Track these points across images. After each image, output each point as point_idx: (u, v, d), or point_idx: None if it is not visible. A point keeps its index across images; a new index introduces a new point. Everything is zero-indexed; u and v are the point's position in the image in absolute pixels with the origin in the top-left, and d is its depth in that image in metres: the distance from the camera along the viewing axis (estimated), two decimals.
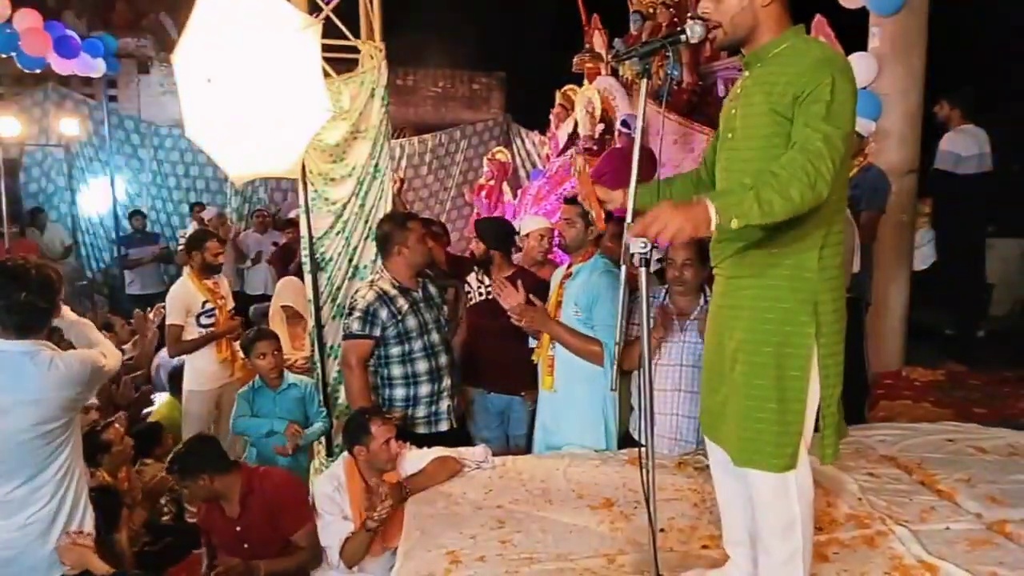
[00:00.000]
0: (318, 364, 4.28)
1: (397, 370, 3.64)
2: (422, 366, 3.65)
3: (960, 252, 6.05)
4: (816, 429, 2.16)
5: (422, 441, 3.42)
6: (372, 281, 3.70)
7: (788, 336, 2.07)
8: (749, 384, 2.11)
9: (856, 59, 5.38)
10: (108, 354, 2.82)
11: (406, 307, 3.62)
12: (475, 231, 4.43)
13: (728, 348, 2.17)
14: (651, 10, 8.41)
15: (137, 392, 5.64)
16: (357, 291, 3.73)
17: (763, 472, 2.09)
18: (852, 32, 5.49)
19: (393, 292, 3.62)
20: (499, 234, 4.27)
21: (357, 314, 3.57)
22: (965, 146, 5.71)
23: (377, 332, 3.56)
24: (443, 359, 3.74)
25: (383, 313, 3.56)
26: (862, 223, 4.73)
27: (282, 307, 5.29)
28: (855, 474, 3.02)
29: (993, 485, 2.88)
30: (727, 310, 2.21)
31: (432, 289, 3.82)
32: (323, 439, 4.22)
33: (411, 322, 3.62)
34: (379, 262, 4.06)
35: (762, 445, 2.08)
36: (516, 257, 4.59)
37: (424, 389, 3.67)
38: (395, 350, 3.62)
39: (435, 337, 3.70)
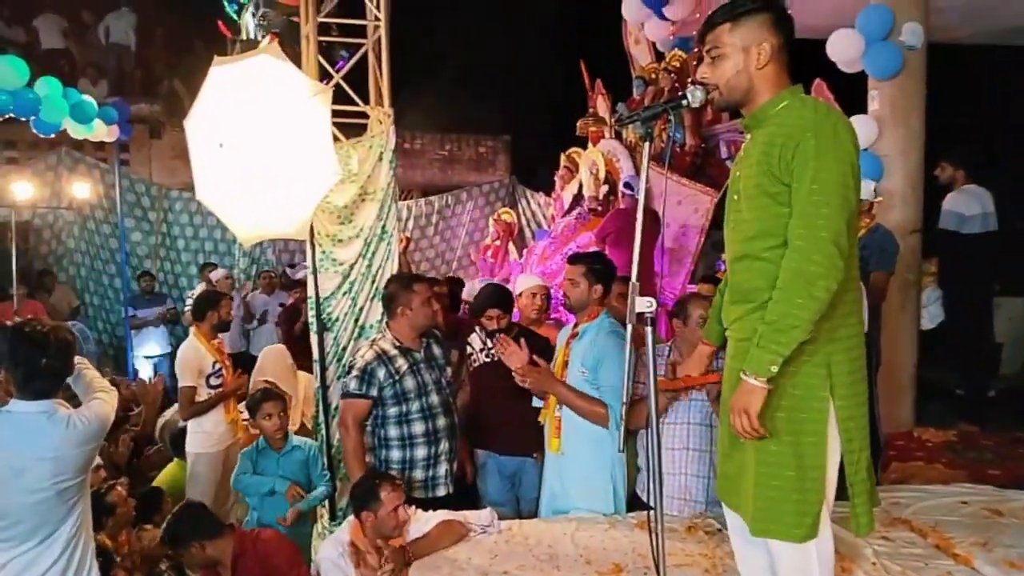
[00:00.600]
0: (322, 426, 4.25)
1: (393, 431, 3.60)
2: (419, 428, 3.60)
3: (967, 311, 6.05)
4: (844, 497, 2.11)
5: (420, 506, 3.36)
6: (373, 340, 3.69)
7: (800, 400, 2.04)
8: (764, 451, 2.07)
9: (856, 122, 5.46)
10: (107, 397, 2.83)
11: (405, 367, 3.60)
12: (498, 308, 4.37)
13: None
14: (653, 75, 8.59)
15: (139, 454, 5.58)
16: (358, 350, 3.73)
17: (783, 542, 2.04)
18: (852, 95, 5.59)
19: (393, 352, 3.60)
20: (485, 301, 4.21)
21: (355, 373, 3.56)
22: (968, 206, 5.76)
23: (374, 392, 3.54)
24: (441, 421, 3.68)
25: (380, 373, 3.54)
26: (871, 283, 4.74)
27: (264, 383, 4.84)
28: (869, 538, 2.95)
29: (1011, 549, 2.81)
30: (739, 373, 2.19)
31: (436, 350, 3.80)
32: (326, 503, 4.16)
33: (409, 383, 3.59)
34: (383, 322, 4.08)
35: (780, 514, 2.04)
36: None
37: (420, 452, 3.61)
38: (392, 410, 3.58)
39: (434, 399, 3.66)
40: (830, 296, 1.95)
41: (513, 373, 3.44)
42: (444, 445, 3.68)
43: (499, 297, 4.21)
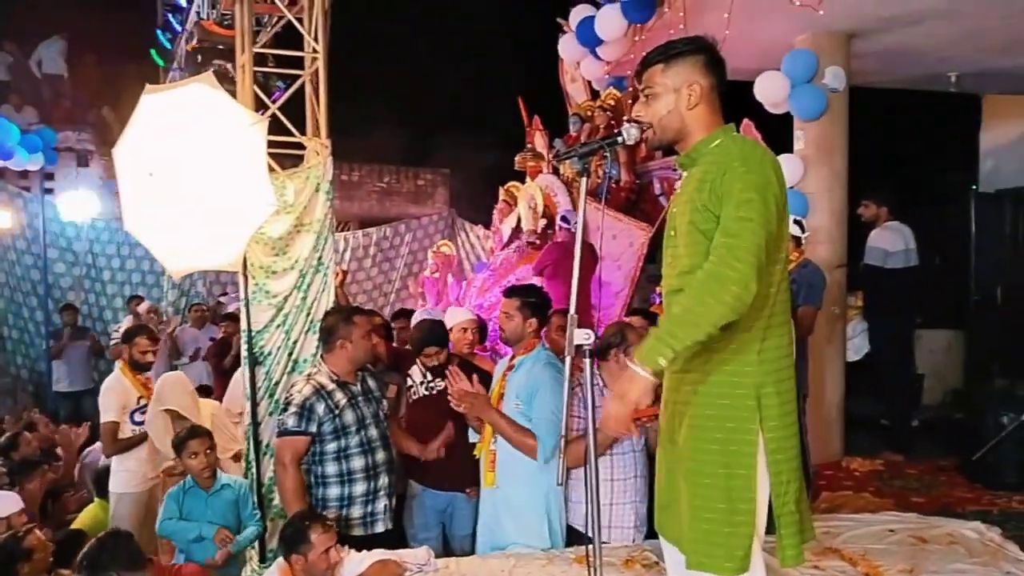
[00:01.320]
0: (252, 464, 4.12)
1: (332, 468, 3.50)
2: (358, 463, 3.53)
3: (891, 343, 6.27)
4: (772, 530, 2.11)
5: (358, 544, 3.28)
6: (309, 375, 3.60)
7: (731, 432, 2.06)
8: (697, 483, 2.08)
9: (783, 161, 5.66)
10: None
11: (344, 401, 3.52)
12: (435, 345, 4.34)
13: (677, 445, 2.17)
14: (589, 113, 8.75)
15: (56, 498, 5.31)
16: (293, 385, 3.63)
17: (714, 575, 2.05)
18: (778, 135, 5.81)
19: (331, 386, 3.53)
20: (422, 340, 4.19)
21: (293, 409, 3.45)
22: (892, 242, 6.00)
23: (313, 428, 3.44)
24: (380, 455, 3.61)
25: (320, 408, 3.45)
26: (799, 317, 4.86)
27: (165, 411, 4.47)
28: (801, 568, 2.99)
29: (935, 575, 2.89)
30: (673, 406, 2.21)
31: (371, 383, 3.74)
32: (256, 544, 4.02)
33: (349, 416, 3.51)
34: (317, 356, 3.99)
35: (712, 547, 2.04)
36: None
37: (359, 488, 3.53)
38: (331, 446, 3.49)
39: (373, 432, 3.60)
40: (739, 305, 1.94)
41: (449, 396, 3.43)
42: (383, 480, 3.60)
43: (435, 334, 4.18)
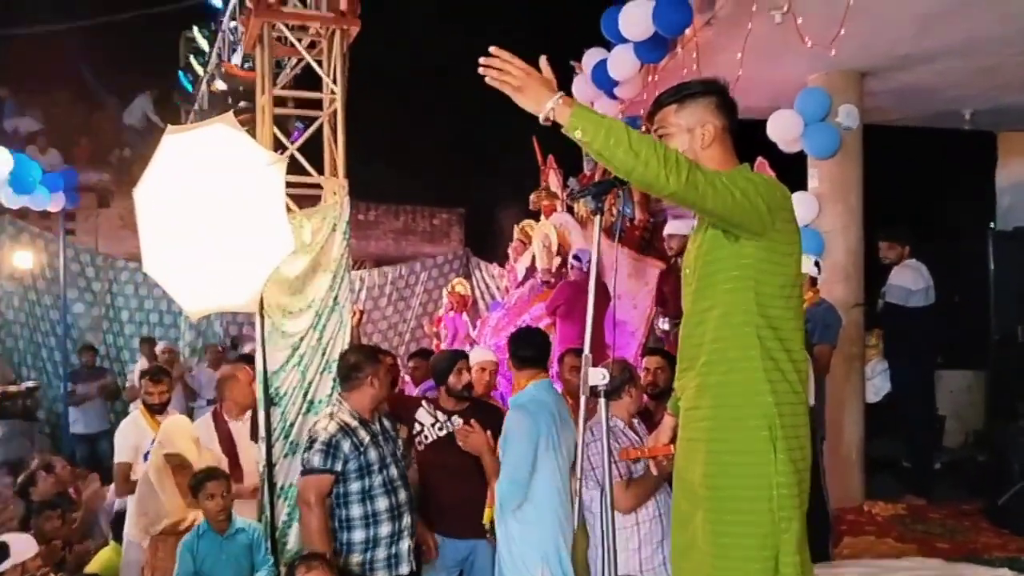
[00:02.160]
0: (267, 507, 4.08)
1: (356, 510, 3.45)
2: (382, 503, 3.48)
3: (912, 384, 6.17)
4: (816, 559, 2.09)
5: None
6: (331, 413, 3.56)
7: (747, 467, 2.04)
8: (716, 520, 2.06)
9: (797, 199, 5.66)
10: None
11: (367, 439, 3.49)
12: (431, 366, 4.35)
13: (692, 483, 2.14)
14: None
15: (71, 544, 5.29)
16: (316, 423, 3.59)
17: None
18: (793, 174, 5.81)
19: (354, 424, 3.50)
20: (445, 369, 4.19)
21: (319, 447, 3.40)
22: (914, 280, 5.94)
23: (339, 466, 3.40)
24: (403, 495, 3.57)
25: (345, 446, 3.42)
26: (816, 356, 4.81)
27: (166, 456, 4.34)
28: None
29: None
30: (687, 443, 2.20)
31: (387, 422, 3.72)
32: None
33: (372, 455, 3.48)
34: (334, 395, 3.98)
35: None
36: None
37: (384, 529, 3.48)
38: (355, 486, 3.44)
39: (394, 471, 3.56)
40: (644, 184, 1.93)
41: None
42: (406, 520, 3.56)
43: (462, 354, 4.23)
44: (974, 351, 7.24)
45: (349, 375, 3.60)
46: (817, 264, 5.30)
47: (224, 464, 4.34)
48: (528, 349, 3.59)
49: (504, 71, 1.98)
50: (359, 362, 3.60)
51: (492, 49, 1.99)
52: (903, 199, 9.16)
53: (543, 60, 2.05)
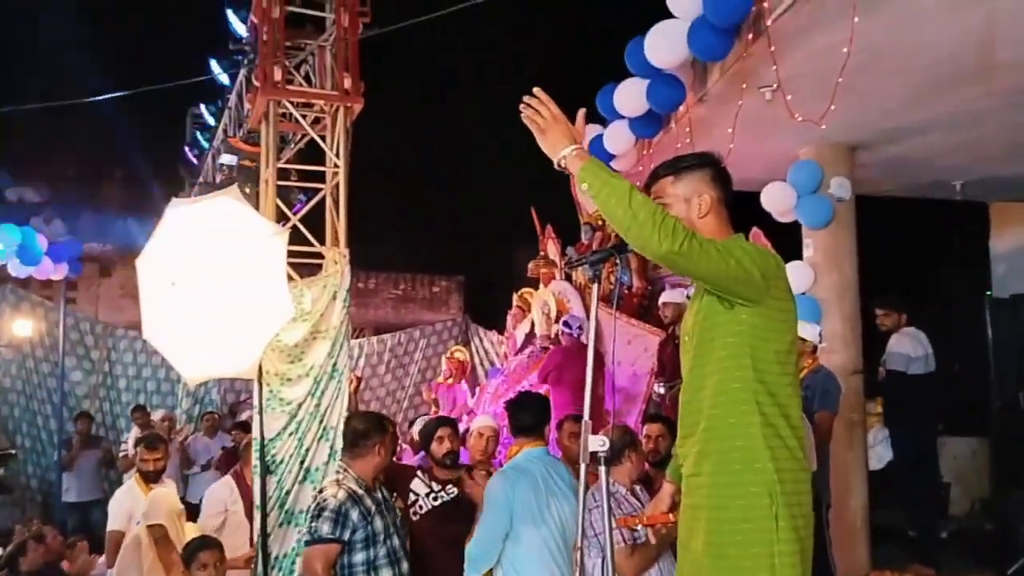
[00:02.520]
0: None
1: None
2: (386, 574, 3.42)
3: (914, 451, 6.12)
4: None
5: None
6: (338, 481, 3.51)
7: (749, 534, 2.04)
8: None
9: (793, 268, 5.73)
10: None
11: (373, 508, 3.45)
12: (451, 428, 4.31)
13: (695, 552, 2.13)
14: (600, 221, 8.94)
15: None
16: (323, 491, 3.51)
17: None
18: (787, 243, 5.90)
19: (360, 492, 3.46)
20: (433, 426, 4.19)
21: (328, 515, 3.33)
22: (913, 347, 5.97)
23: (347, 535, 3.34)
24: (405, 566, 3.51)
25: (354, 514, 3.36)
26: (816, 424, 4.80)
27: (148, 527, 4.28)
28: None
29: None
30: (689, 510, 2.19)
31: (385, 492, 3.69)
32: None
33: (379, 523, 3.43)
34: (331, 464, 3.95)
35: None
36: None
37: None
38: (359, 556, 3.37)
39: (396, 542, 3.51)
40: (638, 243, 2.00)
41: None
42: None
43: (445, 421, 4.21)
44: (976, 418, 7.21)
45: (356, 442, 3.56)
46: (820, 335, 5.33)
47: (244, 529, 4.31)
48: (524, 416, 3.58)
49: (538, 112, 2.14)
50: (368, 430, 3.57)
51: (536, 90, 2.16)
52: (898, 268, 9.26)
53: (581, 113, 2.22)
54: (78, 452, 8.75)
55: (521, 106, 2.16)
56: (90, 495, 8.55)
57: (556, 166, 2.12)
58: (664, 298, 6.43)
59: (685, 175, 2.28)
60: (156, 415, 8.79)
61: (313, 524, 3.39)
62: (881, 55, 4.52)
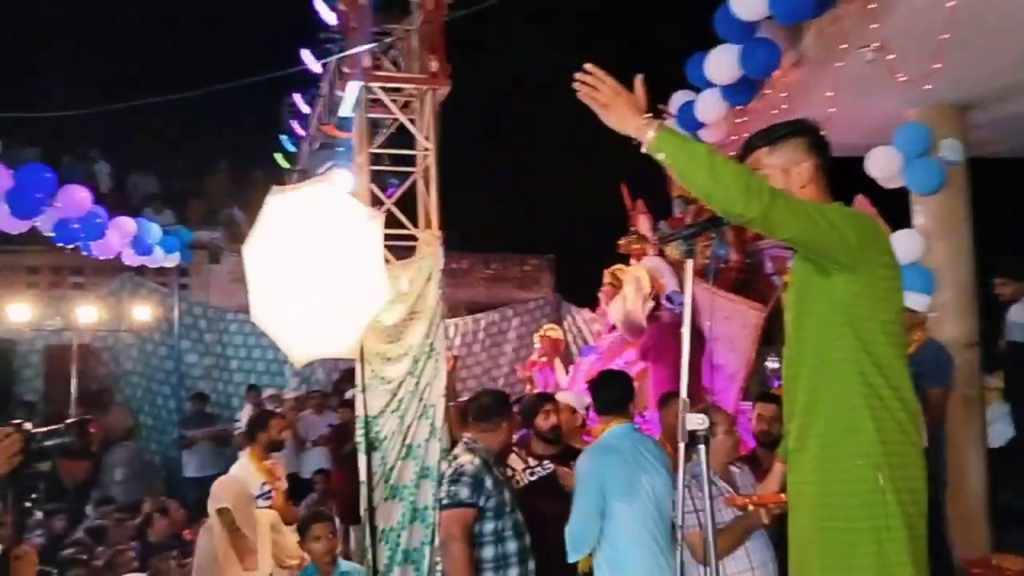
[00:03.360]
0: (368, 551, 4.17)
1: (489, 551, 3.46)
2: (512, 546, 3.49)
3: None
4: None
5: None
6: (472, 448, 3.59)
7: (854, 509, 1.98)
8: (824, 566, 1.99)
9: (901, 236, 5.45)
10: None
11: (501, 479, 3.57)
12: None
13: (802, 527, 2.09)
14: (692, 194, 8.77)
15: None
16: (457, 458, 3.60)
17: None
18: (895, 209, 5.62)
19: (491, 462, 3.58)
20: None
21: (467, 479, 3.42)
22: None
23: (483, 501, 3.43)
24: (527, 539, 3.58)
25: (488, 482, 3.46)
26: (929, 401, 4.58)
27: (218, 511, 3.99)
28: None
29: None
30: (795, 485, 2.15)
31: (502, 469, 3.77)
32: None
33: (507, 495, 3.53)
34: (431, 441, 4.06)
35: None
36: None
37: (513, 572, 3.48)
38: (489, 526, 3.46)
39: (519, 516, 3.59)
40: (724, 208, 1.93)
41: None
42: (531, 565, 3.57)
43: (547, 397, 4.28)
44: None
45: (488, 416, 3.66)
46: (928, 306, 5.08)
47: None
48: (607, 394, 3.57)
49: (595, 88, 2.04)
50: (496, 405, 3.70)
51: (587, 66, 2.05)
52: (1016, 233, 8.68)
53: (638, 80, 2.08)
54: (196, 431, 9.27)
55: (575, 84, 2.05)
56: (211, 470, 9.06)
57: (636, 138, 2.00)
58: None
59: (781, 144, 2.21)
60: (287, 395, 9.20)
61: (452, 488, 3.44)
62: (987, 10, 4.23)
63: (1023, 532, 5.80)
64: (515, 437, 5.02)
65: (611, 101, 2.02)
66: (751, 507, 2.89)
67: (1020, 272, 5.82)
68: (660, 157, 1.95)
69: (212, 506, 4.05)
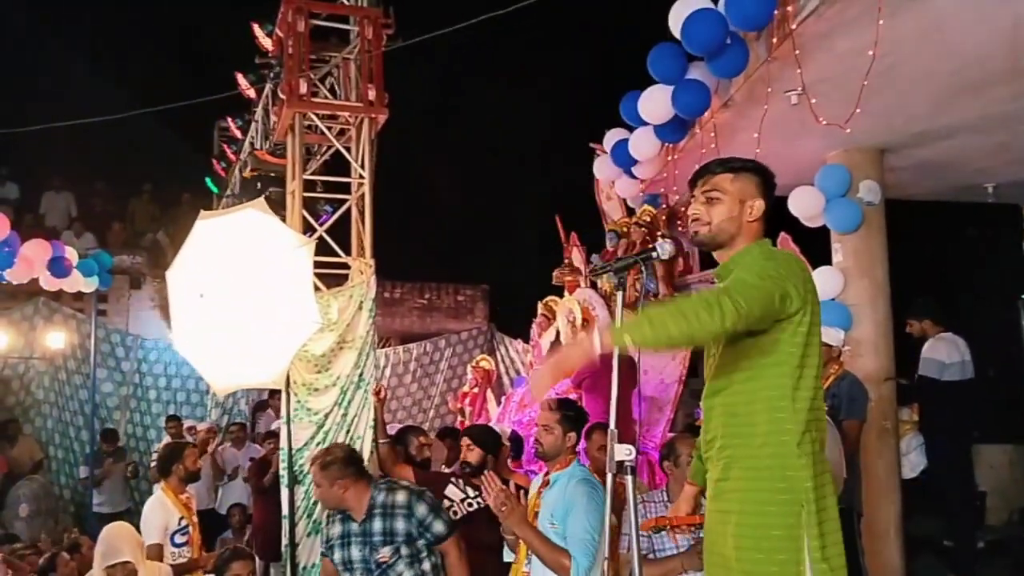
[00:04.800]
0: None
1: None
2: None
3: (949, 459, 6.01)
4: None
5: None
6: (421, 489, 3.76)
7: (777, 541, 2.01)
8: None
9: (822, 273, 5.66)
10: None
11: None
12: (469, 438, 4.32)
13: (725, 556, 2.10)
14: (625, 229, 8.90)
15: None
16: (423, 493, 3.70)
17: None
18: (816, 248, 5.82)
19: None
20: (491, 440, 4.21)
21: (441, 508, 3.72)
22: (948, 353, 5.86)
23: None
24: None
25: None
26: (844, 432, 4.72)
27: (107, 570, 3.60)
28: None
29: None
30: (718, 514, 2.17)
31: None
32: None
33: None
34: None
35: None
36: None
37: None
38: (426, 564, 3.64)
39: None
40: (719, 333, 1.98)
41: (491, 503, 3.31)
42: None
43: (481, 432, 4.26)
44: (1013, 424, 7.06)
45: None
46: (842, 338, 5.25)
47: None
48: (582, 413, 3.59)
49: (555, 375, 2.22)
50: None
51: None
52: (930, 272, 9.11)
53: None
54: (107, 469, 8.89)
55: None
56: (121, 506, 8.67)
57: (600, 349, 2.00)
58: None
59: (743, 175, 2.30)
60: (201, 426, 8.89)
61: (444, 516, 3.71)
62: (907, 59, 4.46)
63: (933, 560, 6.01)
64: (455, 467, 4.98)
65: (562, 362, 2.15)
66: (664, 528, 2.92)
67: (922, 312, 6.10)
68: (631, 344, 2.00)
69: (104, 563, 3.52)
